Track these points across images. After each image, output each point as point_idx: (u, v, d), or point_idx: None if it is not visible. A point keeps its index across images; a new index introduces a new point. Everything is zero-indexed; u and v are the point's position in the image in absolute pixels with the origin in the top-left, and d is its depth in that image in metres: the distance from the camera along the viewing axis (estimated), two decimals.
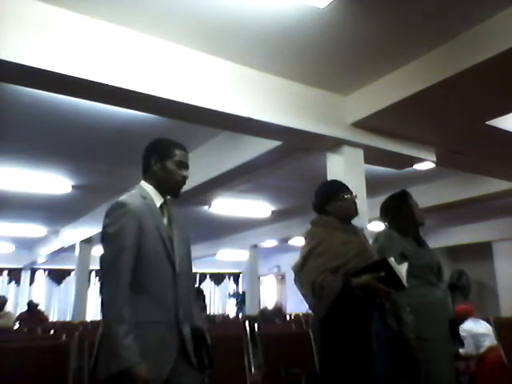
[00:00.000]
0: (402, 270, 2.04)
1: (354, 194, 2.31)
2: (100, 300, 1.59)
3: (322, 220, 2.26)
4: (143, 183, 1.81)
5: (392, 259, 2.03)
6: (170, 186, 1.79)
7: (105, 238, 1.64)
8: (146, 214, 1.67)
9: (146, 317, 1.59)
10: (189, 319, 1.71)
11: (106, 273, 1.59)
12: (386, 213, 2.62)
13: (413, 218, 2.51)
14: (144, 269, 1.62)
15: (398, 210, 2.54)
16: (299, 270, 2.14)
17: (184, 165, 1.81)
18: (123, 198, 1.70)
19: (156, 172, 1.78)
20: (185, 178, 1.81)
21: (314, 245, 2.14)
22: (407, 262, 2.19)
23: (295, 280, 2.17)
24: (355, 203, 2.30)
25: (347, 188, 2.33)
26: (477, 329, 3.93)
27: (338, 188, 2.33)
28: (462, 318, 4.02)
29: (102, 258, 1.62)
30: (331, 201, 2.26)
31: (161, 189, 1.78)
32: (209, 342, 1.77)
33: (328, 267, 2.05)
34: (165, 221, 1.75)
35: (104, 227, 1.65)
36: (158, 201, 1.76)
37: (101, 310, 1.58)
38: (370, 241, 2.49)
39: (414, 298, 2.27)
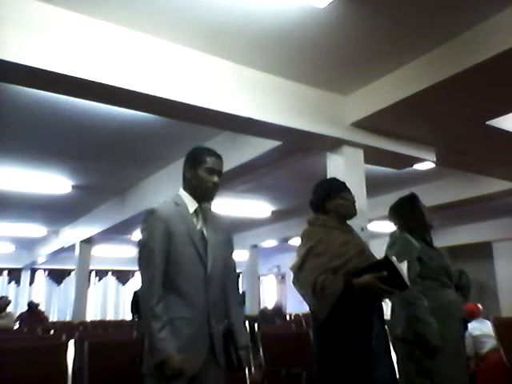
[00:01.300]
0: (403, 268, 2.00)
1: (352, 194, 2.29)
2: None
3: (320, 219, 2.21)
4: (181, 191, 1.91)
5: (394, 258, 1.99)
6: (201, 192, 1.88)
7: (139, 242, 1.80)
8: (175, 218, 1.78)
9: (178, 314, 1.70)
10: (221, 319, 1.81)
11: (142, 275, 1.74)
12: (397, 215, 2.63)
13: (423, 220, 2.54)
14: (174, 270, 1.74)
15: (408, 212, 2.57)
16: (298, 270, 2.09)
17: (215, 171, 1.90)
18: (156, 205, 1.83)
19: (190, 179, 1.89)
20: (215, 184, 1.89)
21: (313, 245, 2.09)
22: (424, 264, 2.20)
23: (294, 280, 2.12)
24: (354, 203, 2.27)
25: (347, 187, 2.30)
26: (481, 329, 3.92)
27: (339, 186, 2.29)
28: (470, 318, 4.01)
29: (138, 262, 1.77)
30: (331, 198, 2.21)
31: (195, 195, 1.87)
32: (242, 344, 1.83)
33: (328, 267, 2.00)
34: (199, 225, 1.84)
35: (140, 232, 1.81)
36: (192, 206, 1.85)
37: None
38: (369, 241, 2.49)
39: (430, 300, 2.28)
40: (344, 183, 2.32)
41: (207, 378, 1.71)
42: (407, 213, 2.57)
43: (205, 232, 1.84)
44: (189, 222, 1.81)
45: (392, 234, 2.57)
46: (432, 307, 2.27)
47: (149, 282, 1.69)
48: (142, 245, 1.77)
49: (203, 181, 1.86)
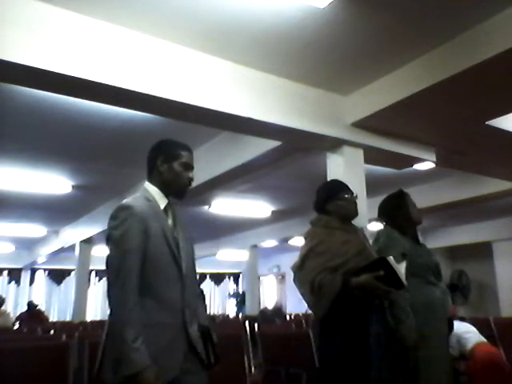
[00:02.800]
0: (401, 268, 2.04)
1: (354, 194, 2.32)
2: (108, 303, 1.59)
3: (322, 220, 2.26)
4: (147, 185, 1.77)
5: (391, 258, 2.02)
6: (176, 188, 1.77)
7: (110, 240, 1.62)
8: (150, 216, 1.64)
9: (154, 319, 1.57)
10: (196, 319, 1.71)
11: (114, 276, 1.56)
12: (384, 213, 2.65)
13: (409, 217, 2.54)
14: (150, 271, 1.60)
15: (395, 209, 2.58)
16: (298, 269, 2.15)
17: (190, 166, 1.79)
18: (127, 200, 1.68)
19: (162, 173, 1.75)
20: (191, 180, 1.79)
21: (314, 245, 2.14)
22: (407, 260, 2.20)
23: (294, 279, 2.18)
24: (355, 203, 2.30)
25: (348, 188, 2.33)
26: (458, 328, 3.94)
27: (339, 187, 2.34)
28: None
29: (109, 261, 1.61)
30: (331, 200, 2.26)
31: (166, 190, 1.75)
32: (215, 341, 1.76)
33: (327, 266, 2.05)
34: (170, 222, 1.72)
35: (109, 229, 1.64)
36: (163, 202, 1.73)
37: (110, 313, 1.58)
38: (370, 240, 2.50)
39: (414, 297, 2.28)
40: (345, 184, 2.37)
41: (188, 380, 1.62)
42: (394, 210, 2.57)
43: (174, 230, 1.72)
44: (162, 220, 1.68)
45: (378, 231, 2.59)
46: (416, 304, 2.27)
47: (123, 285, 1.52)
48: (115, 243, 1.60)
49: (179, 176, 1.74)
